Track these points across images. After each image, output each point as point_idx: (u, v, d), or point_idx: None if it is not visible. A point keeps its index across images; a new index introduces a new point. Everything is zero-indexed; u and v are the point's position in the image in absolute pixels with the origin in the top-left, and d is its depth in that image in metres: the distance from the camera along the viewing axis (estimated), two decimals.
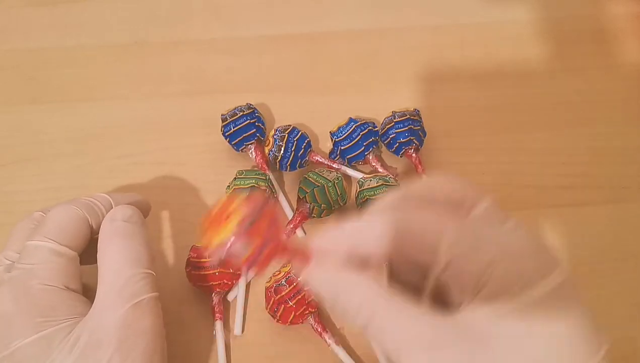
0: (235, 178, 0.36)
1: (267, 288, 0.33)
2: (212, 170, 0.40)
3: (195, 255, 0.33)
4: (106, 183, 0.39)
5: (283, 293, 0.32)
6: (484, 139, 0.41)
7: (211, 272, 0.33)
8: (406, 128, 0.38)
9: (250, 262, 0.20)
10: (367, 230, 0.21)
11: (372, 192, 0.35)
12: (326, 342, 0.32)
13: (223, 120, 0.39)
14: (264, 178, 0.36)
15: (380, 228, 0.21)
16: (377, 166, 0.38)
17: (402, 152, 0.39)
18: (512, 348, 0.18)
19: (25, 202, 0.38)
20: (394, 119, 0.39)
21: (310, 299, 0.32)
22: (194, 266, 0.33)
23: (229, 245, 0.20)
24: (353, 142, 0.38)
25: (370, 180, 0.36)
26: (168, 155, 0.40)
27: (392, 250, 0.21)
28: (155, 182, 0.39)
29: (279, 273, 0.33)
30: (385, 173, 0.38)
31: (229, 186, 0.36)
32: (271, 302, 0.32)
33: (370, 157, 0.38)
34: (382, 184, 0.35)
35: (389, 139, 0.39)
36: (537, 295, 0.18)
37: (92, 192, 0.38)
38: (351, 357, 0.32)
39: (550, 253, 0.21)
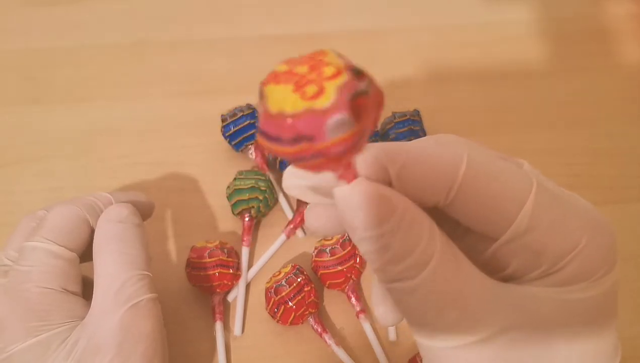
0: (235, 178, 0.36)
1: (267, 289, 0.33)
2: (212, 170, 0.40)
3: (195, 255, 0.33)
4: (106, 183, 0.39)
5: (283, 293, 0.32)
6: (484, 139, 0.41)
7: (211, 272, 0.33)
8: (406, 128, 0.38)
9: (350, 145, 0.14)
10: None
11: None
12: (326, 342, 0.32)
13: (223, 121, 0.39)
14: (264, 178, 0.36)
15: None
16: None
17: None
18: (568, 341, 0.17)
19: (25, 202, 0.38)
20: (394, 119, 0.39)
21: (310, 300, 0.32)
22: (194, 267, 0.33)
23: (327, 114, 0.13)
24: None
25: None
26: (168, 155, 0.40)
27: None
28: (155, 182, 0.39)
29: (279, 274, 0.33)
30: None
31: (229, 186, 0.36)
32: (271, 303, 0.32)
33: None
34: None
35: (388, 139, 0.39)
36: (601, 291, 0.18)
37: (92, 192, 0.38)
38: (351, 357, 0.32)
39: (615, 243, 0.19)
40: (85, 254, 0.29)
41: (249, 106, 0.39)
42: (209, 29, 0.47)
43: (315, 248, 0.34)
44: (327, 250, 0.33)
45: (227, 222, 0.37)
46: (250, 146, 0.39)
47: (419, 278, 0.16)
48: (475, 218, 0.18)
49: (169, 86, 0.44)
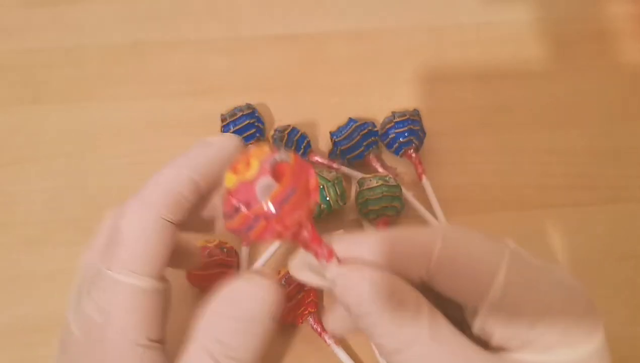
0: None
1: None
2: None
3: None
4: (106, 183, 0.39)
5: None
6: (484, 138, 0.41)
7: (211, 272, 0.33)
8: (406, 128, 0.38)
9: (278, 202, 0.17)
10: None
11: (372, 192, 0.35)
12: (326, 342, 0.32)
13: (222, 120, 0.39)
14: None
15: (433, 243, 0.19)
16: (377, 166, 0.38)
17: (401, 152, 0.39)
18: None
19: (25, 202, 0.38)
20: (394, 119, 0.39)
21: (309, 299, 0.32)
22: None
23: (254, 182, 0.17)
24: (353, 142, 0.38)
25: (370, 180, 0.36)
26: (168, 155, 0.40)
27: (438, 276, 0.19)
28: None
29: (278, 274, 0.33)
30: (385, 173, 0.38)
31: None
32: None
33: (370, 157, 0.38)
34: (382, 184, 0.35)
35: (388, 139, 0.39)
36: (586, 355, 0.18)
37: (92, 191, 0.38)
38: (351, 357, 0.32)
39: (593, 309, 0.19)
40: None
41: (248, 106, 0.39)
42: (209, 29, 0.47)
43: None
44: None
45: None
46: (249, 146, 0.39)
47: (411, 352, 0.18)
48: (456, 291, 0.19)
49: (169, 86, 0.44)
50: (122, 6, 0.48)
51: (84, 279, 0.21)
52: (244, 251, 0.35)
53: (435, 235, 0.20)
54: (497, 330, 0.19)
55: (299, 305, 0.32)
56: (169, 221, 0.21)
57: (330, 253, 0.19)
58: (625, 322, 0.35)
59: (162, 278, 0.21)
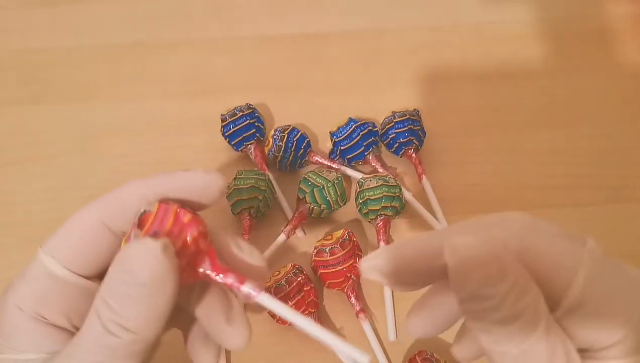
0: (235, 178, 0.36)
1: (266, 289, 0.33)
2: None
3: None
4: (106, 183, 0.39)
5: (282, 293, 0.32)
6: (484, 138, 0.41)
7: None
8: (406, 128, 0.38)
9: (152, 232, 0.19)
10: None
11: (372, 192, 0.35)
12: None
13: (223, 121, 0.39)
14: (264, 178, 0.36)
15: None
16: (377, 166, 0.38)
17: (401, 152, 0.39)
18: None
19: (25, 202, 0.38)
20: (394, 119, 0.39)
21: (310, 299, 0.32)
22: None
23: (128, 239, 0.19)
24: (353, 142, 0.38)
25: (370, 180, 0.36)
26: (168, 155, 0.41)
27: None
28: None
29: (279, 274, 0.33)
30: (385, 173, 0.38)
31: (228, 186, 0.36)
32: None
33: (370, 157, 0.38)
34: (382, 184, 0.35)
35: (388, 139, 0.39)
36: None
37: (92, 191, 0.38)
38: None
39: None
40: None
41: (248, 106, 0.39)
42: (209, 29, 0.47)
43: (315, 247, 0.34)
44: (327, 249, 0.33)
45: (226, 222, 0.37)
46: (250, 145, 0.39)
47: (528, 342, 0.17)
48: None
49: (169, 86, 0.44)
50: (122, 6, 0.48)
51: None
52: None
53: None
54: (579, 333, 0.18)
55: (299, 305, 0.32)
56: (108, 227, 0.22)
57: (242, 279, 0.20)
58: None
59: (84, 275, 0.22)
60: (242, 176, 0.36)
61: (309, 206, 0.35)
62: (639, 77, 0.45)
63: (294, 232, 0.36)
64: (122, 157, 0.40)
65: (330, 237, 0.34)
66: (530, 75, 0.45)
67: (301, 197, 0.36)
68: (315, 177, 0.36)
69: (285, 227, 0.36)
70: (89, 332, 0.19)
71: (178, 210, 0.20)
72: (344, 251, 0.33)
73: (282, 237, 0.35)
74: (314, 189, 0.35)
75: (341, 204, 0.36)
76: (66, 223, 0.22)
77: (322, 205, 0.35)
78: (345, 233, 0.34)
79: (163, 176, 0.22)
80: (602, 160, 0.40)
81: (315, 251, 0.34)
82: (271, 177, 0.37)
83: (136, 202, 0.21)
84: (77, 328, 0.21)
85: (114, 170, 0.40)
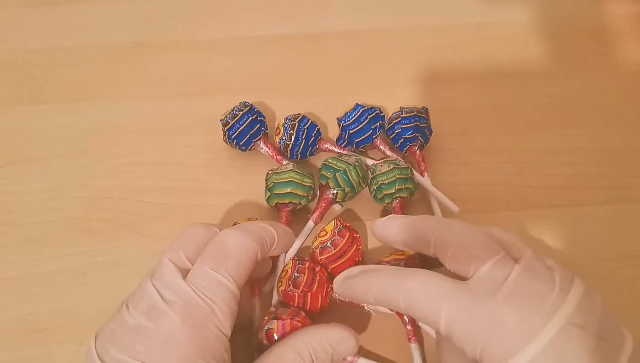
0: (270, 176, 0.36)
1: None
2: (212, 170, 0.40)
3: None
4: (106, 183, 0.39)
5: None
6: (484, 138, 0.41)
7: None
8: (412, 124, 0.38)
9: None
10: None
11: (385, 177, 0.35)
12: (365, 308, 0.33)
13: (225, 125, 0.38)
14: (300, 171, 0.36)
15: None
16: (385, 149, 0.39)
17: (406, 148, 0.39)
18: None
19: (25, 202, 0.38)
20: (401, 114, 0.39)
21: (325, 279, 0.33)
22: None
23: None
24: (361, 126, 0.38)
25: (382, 165, 0.36)
26: (168, 155, 0.40)
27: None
28: (155, 182, 0.39)
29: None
30: (395, 157, 0.38)
31: (267, 187, 0.36)
32: (301, 286, 0.32)
33: (378, 141, 0.39)
34: (394, 168, 0.35)
35: (394, 134, 0.39)
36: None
37: (92, 191, 0.39)
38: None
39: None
40: None
41: (244, 104, 0.39)
42: (209, 29, 0.47)
43: (315, 248, 0.34)
44: (329, 244, 0.33)
45: (227, 222, 0.37)
46: (258, 141, 0.39)
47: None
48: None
49: (169, 86, 0.44)
50: (122, 6, 0.48)
51: (173, 270, 0.26)
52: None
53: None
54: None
55: (321, 287, 0.32)
56: (256, 254, 0.28)
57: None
58: (625, 322, 0.35)
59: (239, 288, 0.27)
60: (299, 171, 0.36)
61: (334, 191, 0.35)
62: (639, 77, 0.45)
63: (321, 219, 0.36)
64: (122, 157, 0.40)
65: (324, 233, 0.34)
66: (530, 75, 0.45)
67: (324, 183, 0.36)
68: (336, 162, 0.36)
69: (312, 214, 0.36)
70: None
71: (291, 322, 0.29)
72: (345, 239, 0.33)
73: (310, 224, 0.36)
74: (337, 174, 0.35)
75: (363, 186, 0.36)
76: (233, 248, 0.27)
77: (346, 189, 0.35)
78: (338, 222, 0.34)
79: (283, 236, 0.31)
80: (602, 160, 0.40)
81: (318, 250, 0.34)
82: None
83: (266, 248, 0.29)
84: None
85: (114, 170, 0.40)
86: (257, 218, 0.34)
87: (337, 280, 0.30)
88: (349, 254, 0.33)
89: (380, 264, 0.32)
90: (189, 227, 0.29)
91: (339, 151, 0.39)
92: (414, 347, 0.32)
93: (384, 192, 0.35)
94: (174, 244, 0.28)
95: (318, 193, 0.37)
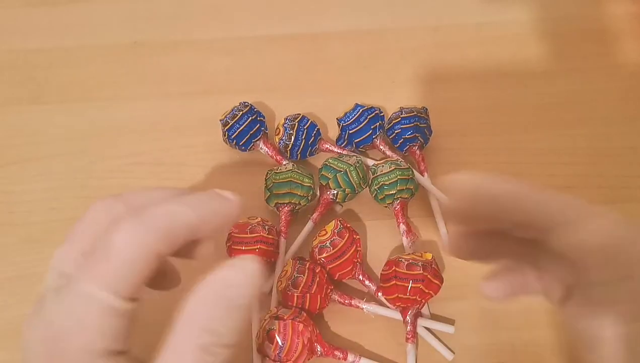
0: (290, 170, 0.36)
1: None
2: (212, 170, 0.40)
3: (237, 230, 0.33)
4: (106, 183, 0.39)
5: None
6: (484, 138, 0.41)
7: (252, 247, 0.33)
8: (412, 124, 0.38)
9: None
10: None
11: (387, 178, 0.35)
12: (358, 307, 0.33)
13: (224, 125, 0.38)
14: (299, 171, 0.36)
15: None
16: (385, 149, 0.39)
17: (406, 148, 0.39)
18: None
19: (25, 202, 0.38)
20: (401, 114, 0.39)
21: (324, 280, 0.33)
22: (235, 241, 0.33)
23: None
24: (360, 126, 0.38)
25: (383, 166, 0.36)
26: (168, 155, 0.40)
27: None
28: (155, 182, 0.39)
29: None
30: (395, 157, 0.38)
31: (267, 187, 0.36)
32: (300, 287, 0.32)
33: (378, 141, 0.39)
34: (395, 168, 0.35)
35: (394, 134, 0.39)
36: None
37: (92, 191, 0.39)
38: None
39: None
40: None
41: (244, 104, 0.39)
42: (209, 29, 0.47)
43: (315, 247, 0.34)
44: (328, 244, 0.33)
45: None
46: (258, 141, 0.39)
47: None
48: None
49: (168, 86, 0.44)
50: (122, 6, 0.48)
51: (53, 279, 0.22)
52: (282, 242, 0.35)
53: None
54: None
55: (320, 288, 0.32)
56: (157, 250, 0.21)
57: (345, 354, 0.32)
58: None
59: (135, 299, 0.21)
60: (298, 171, 0.36)
61: (334, 192, 0.35)
62: (639, 77, 0.45)
63: (318, 220, 0.36)
64: (122, 157, 0.40)
65: (324, 233, 0.34)
66: (530, 75, 0.45)
67: (324, 184, 0.36)
68: (336, 163, 0.36)
69: (312, 215, 0.36)
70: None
71: (293, 323, 0.30)
72: (344, 239, 0.33)
73: (310, 225, 0.36)
74: (337, 174, 0.35)
75: (363, 187, 0.37)
76: (117, 251, 0.20)
77: (346, 189, 0.35)
78: (338, 222, 0.34)
79: (212, 202, 0.23)
80: (602, 160, 0.40)
81: (317, 249, 0.34)
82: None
83: (186, 234, 0.21)
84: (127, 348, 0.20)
85: (114, 170, 0.40)
86: (257, 218, 0.35)
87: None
88: (348, 255, 0.33)
89: (399, 261, 0.33)
90: (92, 205, 0.23)
91: (338, 151, 0.39)
92: (410, 347, 0.32)
93: (385, 193, 0.35)
94: (69, 235, 0.23)
95: (318, 194, 0.37)
